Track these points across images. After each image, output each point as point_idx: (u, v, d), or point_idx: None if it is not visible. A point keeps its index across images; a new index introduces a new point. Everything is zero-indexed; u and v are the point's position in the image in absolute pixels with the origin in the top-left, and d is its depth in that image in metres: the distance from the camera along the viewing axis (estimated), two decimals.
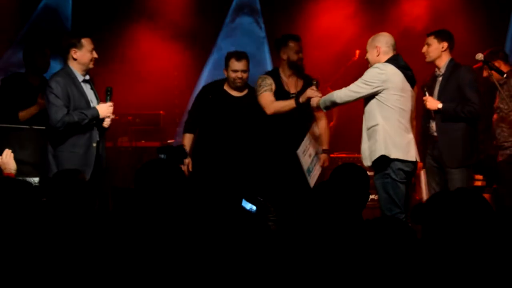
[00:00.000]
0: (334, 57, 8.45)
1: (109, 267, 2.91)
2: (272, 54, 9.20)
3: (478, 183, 7.05)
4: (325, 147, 6.39)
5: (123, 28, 8.93)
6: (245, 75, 6.35)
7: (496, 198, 6.70)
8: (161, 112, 8.69)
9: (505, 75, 6.26)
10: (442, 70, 6.09)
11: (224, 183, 6.26)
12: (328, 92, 6.06)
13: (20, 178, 4.54)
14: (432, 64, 6.18)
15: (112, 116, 5.76)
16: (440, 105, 5.97)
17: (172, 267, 2.86)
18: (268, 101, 6.26)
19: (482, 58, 5.98)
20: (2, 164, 4.78)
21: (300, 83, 6.34)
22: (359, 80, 5.57)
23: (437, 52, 6.08)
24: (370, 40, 5.76)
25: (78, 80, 5.69)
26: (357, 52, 7.90)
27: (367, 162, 5.60)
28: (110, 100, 5.75)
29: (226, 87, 6.44)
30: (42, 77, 6.63)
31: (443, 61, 6.09)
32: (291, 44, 6.32)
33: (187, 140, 6.45)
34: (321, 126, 6.40)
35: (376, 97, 5.53)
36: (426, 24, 8.45)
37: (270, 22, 9.31)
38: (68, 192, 3.78)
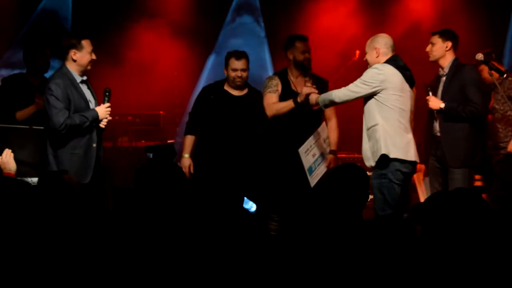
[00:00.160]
0: (334, 57, 8.45)
1: (109, 267, 2.91)
2: (272, 54, 9.21)
3: (478, 183, 7.04)
4: (332, 147, 6.37)
5: (123, 28, 8.94)
6: (244, 74, 6.38)
7: (492, 198, 6.69)
8: (161, 112, 8.70)
9: (505, 75, 6.26)
10: (446, 70, 6.07)
11: (227, 183, 6.27)
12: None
13: (19, 178, 4.54)
14: (436, 63, 6.15)
15: (109, 118, 5.76)
16: (442, 105, 5.96)
17: (172, 267, 2.86)
18: (269, 103, 6.31)
19: (482, 58, 5.97)
20: (2, 164, 4.78)
21: (309, 84, 6.35)
22: (358, 80, 5.59)
23: (441, 51, 6.06)
24: (369, 41, 5.78)
25: (76, 81, 5.69)
26: (357, 52, 7.90)
27: (370, 163, 5.60)
28: (108, 101, 5.74)
29: (226, 87, 6.46)
30: (43, 77, 6.63)
31: (447, 61, 6.07)
32: (298, 45, 6.35)
33: (189, 141, 6.45)
34: (330, 126, 6.39)
35: (375, 97, 5.54)
36: (426, 24, 8.46)
37: (270, 22, 9.32)
38: (54, 194, 3.78)
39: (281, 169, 6.29)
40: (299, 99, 6.05)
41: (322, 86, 6.29)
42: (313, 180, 6.18)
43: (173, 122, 9.02)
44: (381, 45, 5.68)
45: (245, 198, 6.32)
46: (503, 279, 2.58)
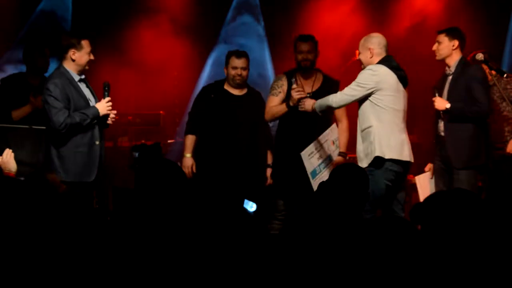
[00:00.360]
0: (334, 56, 8.45)
1: (108, 267, 2.91)
2: (272, 53, 9.21)
3: (479, 184, 7.01)
4: (342, 149, 6.34)
5: (123, 29, 8.93)
6: (244, 73, 6.40)
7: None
8: (161, 112, 8.70)
9: (505, 75, 6.24)
10: (452, 69, 6.02)
11: (228, 183, 6.28)
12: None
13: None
14: (442, 62, 6.11)
15: (114, 112, 5.75)
16: (448, 105, 5.93)
17: (172, 267, 2.86)
18: (269, 106, 6.36)
19: (483, 58, 5.96)
20: (2, 163, 4.79)
21: (317, 84, 6.35)
22: (353, 83, 5.61)
23: (448, 50, 6.00)
24: (362, 41, 5.79)
25: (75, 80, 5.69)
26: (357, 52, 7.90)
27: (363, 164, 5.61)
28: (108, 96, 5.73)
29: (226, 87, 6.48)
30: (42, 77, 6.62)
31: (453, 60, 6.01)
32: (297, 44, 6.37)
33: (190, 141, 6.46)
34: (341, 128, 6.36)
35: (370, 98, 5.57)
36: (427, 22, 8.46)
37: (270, 21, 9.32)
38: (33, 193, 3.79)
39: (286, 171, 6.29)
40: (291, 103, 6.08)
41: (332, 86, 6.29)
42: (317, 183, 6.14)
43: (173, 122, 9.02)
44: (374, 45, 5.70)
45: (246, 198, 6.32)
46: (502, 278, 2.58)
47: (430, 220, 2.65)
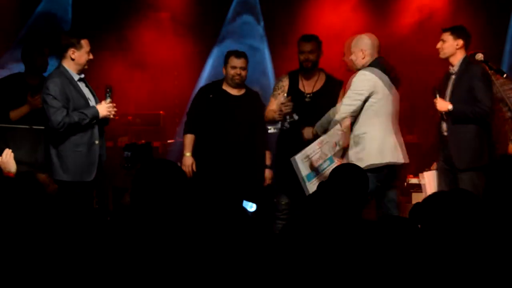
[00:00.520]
0: (335, 56, 8.43)
1: (108, 267, 2.91)
2: (272, 53, 9.21)
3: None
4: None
5: (123, 29, 8.94)
6: (243, 72, 6.42)
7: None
8: (161, 112, 8.71)
9: (505, 75, 6.23)
10: (456, 68, 5.98)
11: (227, 183, 6.28)
12: None
13: None
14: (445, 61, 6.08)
15: (113, 112, 5.75)
16: (450, 107, 5.90)
17: (172, 268, 2.86)
18: (267, 109, 6.39)
19: (482, 59, 5.94)
20: (2, 164, 4.78)
21: (319, 84, 6.35)
22: (350, 92, 5.61)
23: (452, 49, 5.96)
24: (354, 42, 5.79)
25: (74, 80, 5.69)
26: None
27: None
28: (110, 98, 5.74)
29: (224, 87, 6.49)
30: (41, 77, 6.60)
31: (457, 59, 5.97)
32: (300, 44, 6.38)
33: (189, 140, 6.47)
34: (345, 125, 6.35)
35: (364, 103, 5.59)
36: (427, 23, 8.45)
37: (270, 21, 9.32)
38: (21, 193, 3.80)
39: (289, 170, 6.28)
40: (277, 117, 6.13)
41: (335, 86, 6.28)
42: (312, 186, 6.09)
43: (173, 122, 9.03)
44: (367, 47, 5.71)
45: (244, 197, 6.33)
46: (501, 278, 2.58)
47: (430, 220, 2.65)
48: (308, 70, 6.34)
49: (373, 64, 5.65)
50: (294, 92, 6.33)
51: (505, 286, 2.57)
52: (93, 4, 8.97)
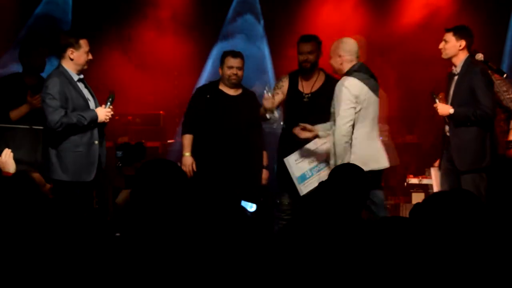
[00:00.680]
0: None
1: (108, 267, 2.91)
2: (272, 53, 9.21)
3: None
4: None
5: (123, 29, 8.94)
6: (240, 72, 6.43)
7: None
8: (161, 112, 8.71)
9: (505, 75, 6.23)
10: (458, 69, 5.94)
11: (224, 183, 6.28)
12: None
13: None
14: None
15: (108, 119, 5.77)
16: (451, 110, 5.88)
17: (172, 268, 2.86)
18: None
19: (482, 59, 5.94)
20: (1, 164, 4.79)
21: (318, 84, 6.35)
22: (340, 107, 5.54)
23: (454, 50, 5.92)
24: (333, 46, 5.77)
25: (73, 80, 5.69)
26: None
27: None
28: (111, 105, 5.75)
29: (221, 87, 6.51)
30: (39, 77, 6.58)
31: (459, 60, 5.93)
32: (299, 45, 6.38)
33: (188, 140, 6.47)
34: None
35: None
36: (429, 21, 8.45)
37: (271, 21, 9.32)
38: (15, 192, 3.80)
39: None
40: (260, 112, 6.14)
41: (334, 86, 6.27)
42: (305, 188, 6.08)
43: (173, 122, 9.02)
44: (345, 53, 5.69)
45: (242, 197, 6.33)
46: (501, 278, 2.59)
47: (430, 220, 2.66)
48: (307, 70, 6.33)
49: (352, 72, 5.63)
50: (293, 93, 6.33)
51: (505, 286, 2.58)
52: (93, 4, 8.96)
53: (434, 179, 6.43)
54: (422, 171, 7.87)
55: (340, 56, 5.68)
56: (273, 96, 6.09)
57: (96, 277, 2.91)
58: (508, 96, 6.37)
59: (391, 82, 8.60)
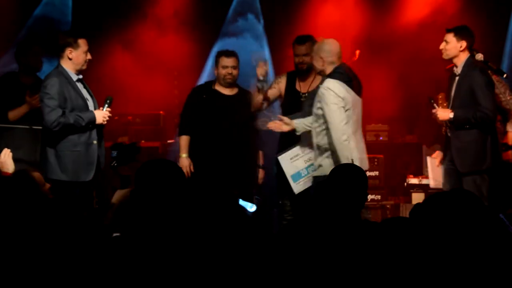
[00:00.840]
0: None
1: (108, 267, 2.91)
2: (272, 52, 9.20)
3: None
4: None
5: (123, 28, 8.93)
6: (235, 71, 6.46)
7: None
8: (161, 112, 8.71)
9: (505, 75, 6.22)
10: (459, 70, 5.93)
11: (222, 182, 6.29)
12: None
13: None
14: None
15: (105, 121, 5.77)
16: (451, 115, 5.86)
17: (172, 267, 2.86)
18: None
19: (482, 59, 5.93)
20: (0, 163, 4.78)
21: (315, 84, 6.36)
22: (331, 111, 5.54)
23: (455, 51, 5.90)
24: (315, 47, 5.79)
25: (72, 80, 5.69)
26: (357, 52, 7.89)
27: (314, 173, 5.75)
28: (109, 107, 5.75)
29: (217, 87, 6.54)
30: (36, 76, 6.57)
31: (460, 60, 5.92)
32: (294, 47, 6.41)
33: (185, 141, 6.51)
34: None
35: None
36: (431, 19, 8.44)
37: (271, 21, 9.32)
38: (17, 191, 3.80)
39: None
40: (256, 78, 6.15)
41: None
42: (299, 187, 6.08)
43: (173, 122, 9.01)
44: (326, 54, 5.70)
45: (238, 197, 6.33)
46: (501, 279, 2.58)
47: (430, 220, 2.66)
48: (304, 71, 6.35)
49: (333, 74, 5.63)
50: (291, 92, 6.35)
51: (506, 285, 2.58)
52: (93, 3, 8.96)
53: (430, 170, 6.41)
54: (422, 171, 7.87)
55: (321, 57, 5.70)
56: (265, 62, 6.09)
57: (96, 277, 2.91)
58: (504, 98, 6.36)
59: (391, 82, 8.60)
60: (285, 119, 5.92)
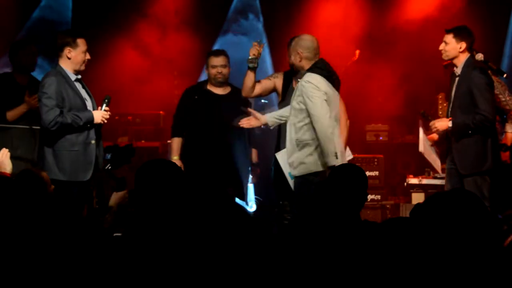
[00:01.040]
0: (336, 54, 8.43)
1: (108, 267, 2.91)
2: (272, 51, 9.20)
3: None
4: None
5: (123, 28, 8.94)
6: (224, 70, 6.50)
7: None
8: (161, 112, 8.71)
9: (505, 75, 6.21)
10: (459, 71, 5.90)
11: (217, 182, 6.32)
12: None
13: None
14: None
15: (105, 120, 5.77)
16: (450, 123, 5.84)
17: (173, 267, 2.86)
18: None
19: (482, 59, 5.92)
20: None
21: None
22: (315, 104, 5.52)
23: (454, 52, 5.86)
24: (293, 42, 5.78)
25: (71, 79, 5.69)
26: (357, 52, 7.90)
27: (294, 172, 5.70)
28: (107, 106, 5.74)
29: (209, 87, 6.57)
30: (30, 76, 6.55)
31: (460, 61, 5.88)
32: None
33: (176, 143, 6.55)
34: (339, 127, 6.29)
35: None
36: (424, 24, 8.44)
37: (270, 21, 9.32)
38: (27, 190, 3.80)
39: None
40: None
41: (339, 85, 6.27)
42: None
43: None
44: (303, 49, 5.71)
45: (240, 197, 6.37)
46: (500, 279, 2.59)
47: (431, 220, 2.66)
48: (298, 72, 6.35)
49: (313, 68, 5.64)
50: (287, 91, 6.34)
51: (506, 286, 2.58)
52: (93, 3, 8.96)
53: (421, 140, 6.39)
54: (422, 171, 7.87)
55: (298, 53, 5.71)
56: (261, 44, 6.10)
57: (97, 277, 2.91)
58: (504, 98, 6.36)
59: (391, 82, 8.61)
60: (256, 114, 5.96)
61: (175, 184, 3.20)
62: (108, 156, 5.26)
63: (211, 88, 6.55)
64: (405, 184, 7.84)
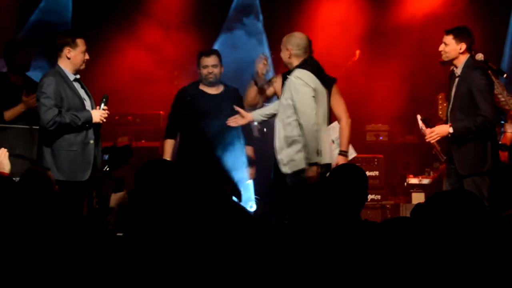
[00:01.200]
0: (336, 55, 8.44)
1: (108, 267, 2.91)
2: (272, 51, 9.21)
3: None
4: (342, 148, 6.16)
5: (123, 28, 8.94)
6: (216, 70, 6.50)
7: None
8: (161, 112, 8.71)
9: (505, 75, 6.20)
10: (459, 71, 5.87)
11: (213, 181, 6.33)
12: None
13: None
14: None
15: (104, 119, 5.76)
16: (451, 129, 5.80)
17: (173, 267, 2.86)
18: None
19: (482, 59, 5.90)
20: None
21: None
22: (303, 99, 5.59)
23: (454, 53, 5.83)
24: (284, 38, 5.85)
25: (69, 79, 5.68)
26: (357, 52, 7.91)
27: (285, 169, 5.72)
28: (105, 105, 5.74)
29: (202, 87, 6.58)
30: (25, 76, 6.53)
31: (460, 62, 5.85)
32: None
33: (168, 145, 6.57)
34: (341, 125, 6.22)
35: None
36: (424, 24, 8.45)
37: (270, 21, 9.33)
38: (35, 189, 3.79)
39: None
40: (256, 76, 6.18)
41: (328, 84, 6.27)
42: None
43: None
44: (293, 46, 5.77)
45: (236, 195, 6.39)
46: (501, 279, 2.59)
47: (431, 220, 2.66)
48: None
49: (302, 65, 5.66)
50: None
51: (506, 286, 2.58)
52: (93, 3, 8.97)
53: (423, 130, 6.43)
54: (422, 171, 7.87)
55: (287, 49, 5.78)
56: (264, 65, 6.12)
57: (97, 277, 2.91)
58: (504, 98, 6.35)
59: (391, 82, 8.61)
60: (242, 112, 5.99)
61: (175, 184, 3.20)
62: (106, 157, 5.27)
63: (204, 88, 6.57)
64: (405, 184, 7.85)
